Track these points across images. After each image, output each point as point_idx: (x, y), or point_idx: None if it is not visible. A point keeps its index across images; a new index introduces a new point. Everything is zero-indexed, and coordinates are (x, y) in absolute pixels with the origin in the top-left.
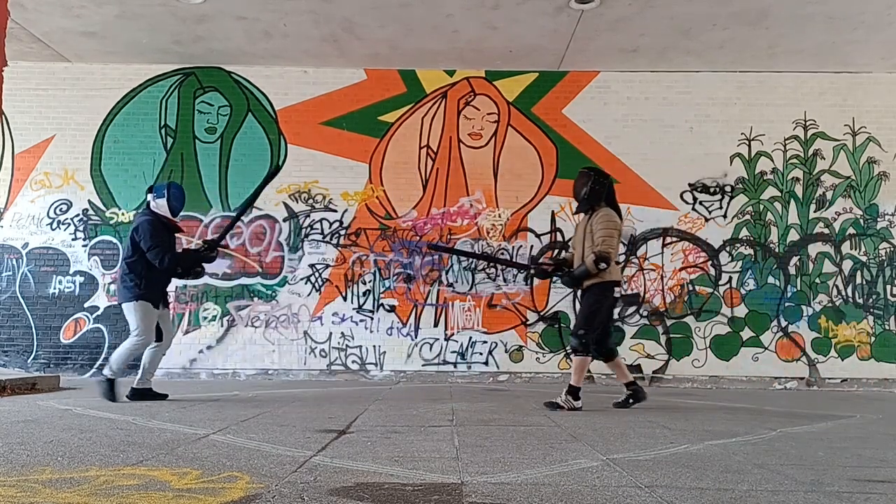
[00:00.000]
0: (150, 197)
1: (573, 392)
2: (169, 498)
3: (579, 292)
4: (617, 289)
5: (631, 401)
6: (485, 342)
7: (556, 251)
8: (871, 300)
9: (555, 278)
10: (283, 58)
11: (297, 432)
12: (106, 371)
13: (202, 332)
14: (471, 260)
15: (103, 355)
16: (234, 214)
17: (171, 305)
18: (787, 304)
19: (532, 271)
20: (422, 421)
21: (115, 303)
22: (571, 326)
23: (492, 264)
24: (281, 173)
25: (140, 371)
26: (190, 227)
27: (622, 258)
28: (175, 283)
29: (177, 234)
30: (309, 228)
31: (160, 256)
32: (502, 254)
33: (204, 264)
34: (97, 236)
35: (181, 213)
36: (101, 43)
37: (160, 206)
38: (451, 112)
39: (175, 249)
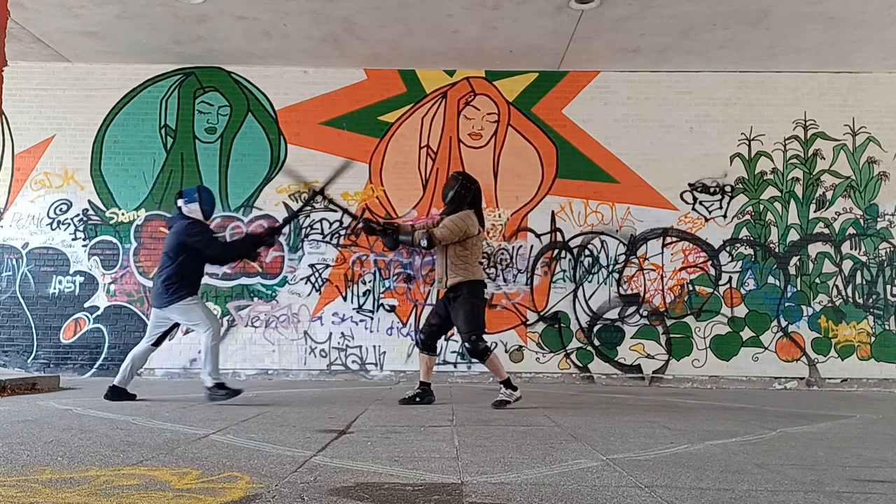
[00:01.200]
0: (181, 202)
1: (507, 384)
2: (169, 498)
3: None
4: (483, 289)
5: (418, 399)
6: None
7: (556, 251)
8: (871, 300)
9: (380, 236)
10: (283, 58)
11: (297, 432)
12: (205, 379)
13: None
14: None
15: (103, 355)
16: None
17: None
18: (787, 304)
19: (360, 224)
20: (422, 421)
21: (115, 303)
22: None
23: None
24: (281, 173)
25: (123, 369)
26: None
27: (622, 258)
28: None
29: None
30: (309, 228)
31: (221, 246)
32: (502, 254)
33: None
34: (97, 236)
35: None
36: (101, 43)
37: (192, 210)
38: (451, 112)
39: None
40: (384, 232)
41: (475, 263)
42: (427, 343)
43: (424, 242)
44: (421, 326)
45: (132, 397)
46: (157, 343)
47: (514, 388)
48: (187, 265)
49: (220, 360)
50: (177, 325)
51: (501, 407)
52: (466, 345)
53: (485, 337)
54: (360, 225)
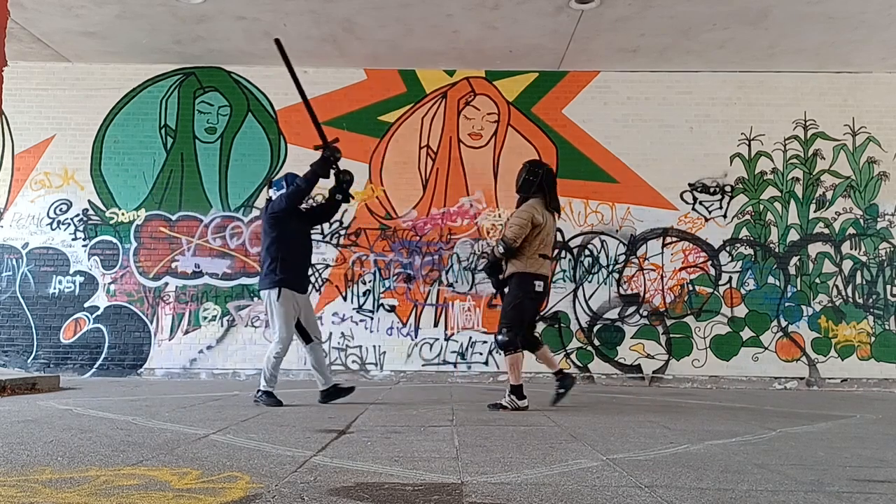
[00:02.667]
0: (271, 192)
1: (516, 392)
2: (169, 498)
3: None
4: (538, 282)
5: (562, 391)
6: (485, 342)
7: (556, 251)
8: (870, 300)
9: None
10: None
11: (297, 432)
12: (261, 385)
13: (202, 332)
14: (470, 255)
15: (103, 355)
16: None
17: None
18: (787, 304)
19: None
20: (422, 421)
21: (115, 303)
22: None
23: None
24: (281, 173)
25: (315, 374)
26: (190, 227)
27: (622, 258)
28: (174, 284)
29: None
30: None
31: (293, 188)
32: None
33: (342, 170)
34: (97, 236)
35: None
36: (102, 43)
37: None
38: (451, 112)
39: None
40: (499, 285)
41: (533, 255)
42: (524, 342)
43: (501, 249)
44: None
45: (348, 391)
46: (306, 339)
47: (522, 398)
48: (277, 249)
49: (220, 360)
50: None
51: (495, 409)
52: (497, 335)
53: (517, 334)
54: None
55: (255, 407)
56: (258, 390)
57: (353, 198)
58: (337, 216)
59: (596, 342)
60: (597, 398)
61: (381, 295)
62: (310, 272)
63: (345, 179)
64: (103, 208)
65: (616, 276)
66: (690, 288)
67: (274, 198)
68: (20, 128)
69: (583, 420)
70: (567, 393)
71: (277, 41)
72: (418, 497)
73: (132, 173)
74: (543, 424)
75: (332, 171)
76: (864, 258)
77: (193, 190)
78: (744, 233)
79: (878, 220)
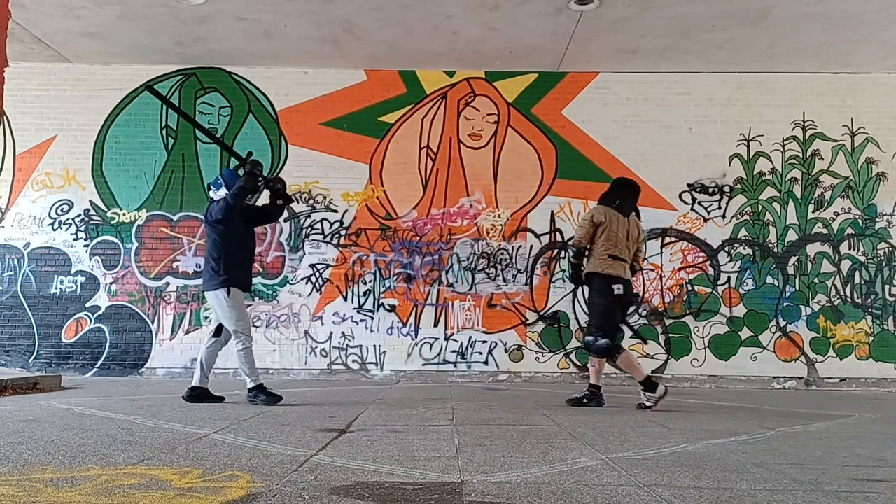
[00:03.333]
0: (211, 191)
1: (647, 385)
2: (170, 497)
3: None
4: (615, 286)
5: (585, 400)
6: (485, 342)
7: (556, 251)
8: (869, 300)
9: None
10: (284, 59)
11: (297, 431)
12: (247, 382)
13: (203, 331)
14: (470, 256)
15: (105, 355)
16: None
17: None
18: (785, 304)
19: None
20: (422, 420)
21: (116, 303)
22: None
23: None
24: (282, 173)
25: (198, 369)
26: (191, 227)
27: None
28: (175, 284)
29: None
30: (310, 229)
31: (233, 194)
32: (502, 254)
33: (269, 178)
34: (98, 236)
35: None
36: (103, 44)
37: (220, 195)
38: (451, 113)
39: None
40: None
41: (602, 255)
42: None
43: (572, 253)
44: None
45: (217, 399)
46: (217, 333)
47: (653, 388)
48: (223, 248)
49: (221, 360)
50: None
51: (643, 409)
52: (587, 336)
53: (605, 337)
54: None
55: (256, 406)
56: (249, 390)
57: (294, 199)
58: (288, 214)
59: None
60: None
61: (382, 295)
62: (252, 271)
63: (275, 188)
64: (104, 208)
65: None
66: (689, 288)
67: (215, 198)
68: (22, 128)
69: (582, 419)
70: (587, 405)
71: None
72: (418, 496)
73: (133, 174)
74: (543, 424)
75: (261, 182)
76: (862, 258)
77: (194, 190)
78: (742, 233)
79: (877, 220)
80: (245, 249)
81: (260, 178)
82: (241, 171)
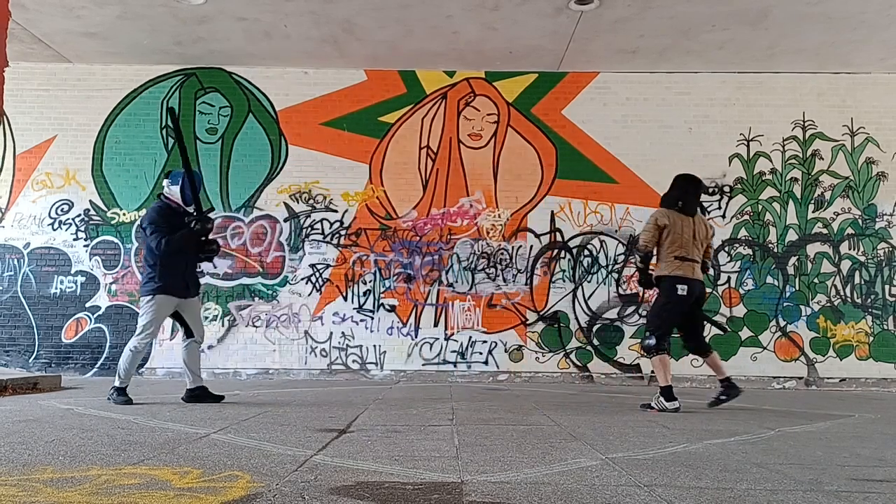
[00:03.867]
0: (165, 182)
1: (665, 393)
2: (170, 497)
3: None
4: (680, 287)
5: (724, 397)
6: (484, 342)
7: (556, 251)
8: (869, 300)
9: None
10: (284, 59)
11: (297, 431)
12: (115, 381)
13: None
14: (470, 255)
15: (105, 355)
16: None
17: (199, 297)
18: (785, 304)
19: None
20: (422, 420)
21: (116, 303)
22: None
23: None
24: (282, 174)
25: (186, 371)
26: None
27: (621, 258)
28: None
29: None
30: (310, 228)
31: (157, 240)
32: (502, 254)
33: (210, 240)
34: (98, 236)
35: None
36: (103, 44)
37: (173, 192)
38: (451, 113)
39: (186, 230)
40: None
41: (668, 258)
42: (690, 347)
43: (638, 257)
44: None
45: (216, 398)
46: (188, 334)
47: (671, 399)
48: (157, 256)
49: (221, 360)
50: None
51: (645, 410)
52: (643, 340)
53: (662, 337)
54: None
55: (256, 406)
56: (112, 387)
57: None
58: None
59: (595, 342)
60: (596, 398)
61: (382, 295)
62: (195, 274)
63: (209, 250)
64: (104, 208)
65: (615, 276)
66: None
67: (165, 192)
68: (22, 128)
69: (582, 419)
70: (727, 401)
71: (171, 110)
72: (418, 496)
73: (133, 174)
74: (543, 424)
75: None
76: (862, 258)
77: None
78: (742, 233)
79: (877, 220)
80: (182, 256)
81: (203, 238)
82: (195, 223)
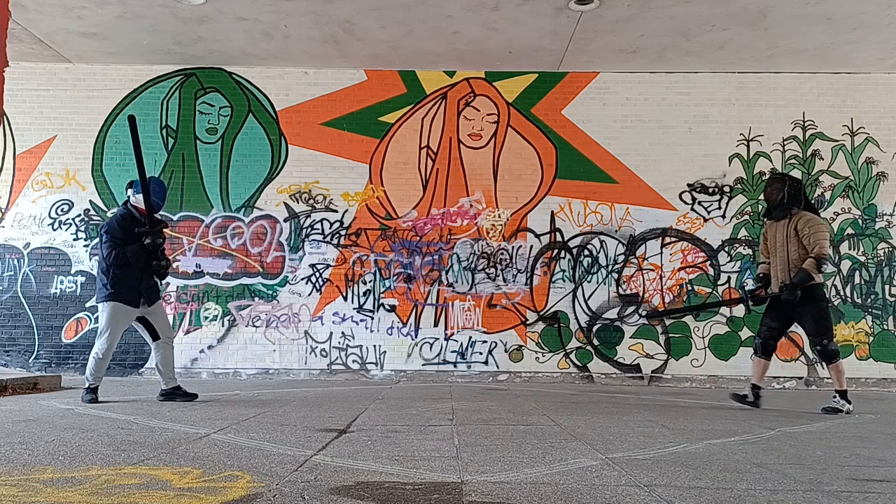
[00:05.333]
0: (129, 192)
1: (844, 395)
2: (170, 497)
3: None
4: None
5: (749, 399)
6: (485, 342)
7: (556, 251)
8: (869, 300)
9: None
10: (284, 59)
11: (297, 431)
12: (88, 382)
13: (203, 331)
14: (470, 256)
15: None
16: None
17: (161, 301)
18: None
19: (751, 303)
20: (422, 420)
21: None
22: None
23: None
24: (282, 174)
25: (158, 374)
26: (191, 227)
27: (621, 258)
28: (176, 284)
29: (164, 230)
30: (310, 229)
31: (108, 250)
32: (502, 254)
33: (160, 255)
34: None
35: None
36: (103, 44)
37: (139, 200)
38: (451, 113)
39: (137, 244)
40: (779, 291)
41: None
42: (765, 347)
43: (825, 268)
44: (759, 331)
45: (191, 396)
46: (153, 336)
47: (849, 402)
48: (104, 265)
49: (221, 360)
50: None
51: (832, 413)
52: (818, 348)
53: (834, 341)
54: (751, 304)
55: (256, 406)
56: (87, 388)
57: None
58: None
59: (595, 342)
60: (596, 398)
61: (382, 295)
62: (150, 283)
63: (159, 266)
64: (104, 208)
65: (615, 276)
66: (689, 288)
67: (132, 201)
68: (22, 128)
69: (582, 419)
70: (746, 404)
71: (131, 118)
72: (418, 496)
73: (133, 174)
74: (543, 424)
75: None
76: (862, 258)
77: (194, 190)
78: (742, 233)
79: (877, 220)
80: (131, 268)
81: (151, 252)
82: (146, 237)
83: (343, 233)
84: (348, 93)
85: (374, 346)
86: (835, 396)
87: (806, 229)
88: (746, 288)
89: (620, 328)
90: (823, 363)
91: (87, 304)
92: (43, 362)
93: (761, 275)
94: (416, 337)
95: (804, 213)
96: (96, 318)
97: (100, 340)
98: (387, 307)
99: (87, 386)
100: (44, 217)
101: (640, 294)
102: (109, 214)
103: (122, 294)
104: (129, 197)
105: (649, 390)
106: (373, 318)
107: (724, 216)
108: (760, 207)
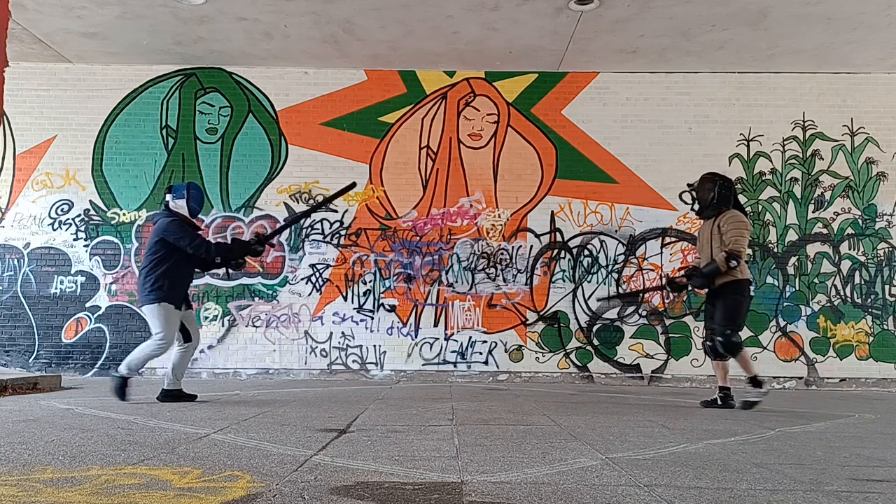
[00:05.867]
0: (169, 197)
1: (756, 382)
2: (170, 497)
3: (707, 291)
4: (751, 287)
5: (719, 402)
6: (484, 342)
7: (556, 251)
8: (869, 300)
9: (690, 286)
10: (284, 59)
11: (297, 431)
12: (121, 368)
13: (203, 331)
14: (470, 255)
15: (105, 355)
16: (293, 215)
17: (193, 305)
18: (785, 304)
19: (668, 289)
20: (422, 420)
21: (116, 302)
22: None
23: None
24: (282, 174)
25: (169, 372)
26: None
27: (621, 258)
28: None
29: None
30: (310, 229)
31: (204, 246)
32: (502, 254)
33: (247, 258)
34: (98, 236)
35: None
36: (103, 44)
37: (179, 206)
38: (451, 113)
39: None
40: (689, 278)
41: (744, 262)
42: (715, 349)
43: (734, 263)
44: (704, 335)
45: (191, 397)
46: (187, 338)
47: (761, 385)
48: (168, 265)
49: (221, 360)
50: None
51: (750, 408)
52: (719, 338)
53: (739, 334)
54: (668, 289)
55: (256, 406)
56: (118, 375)
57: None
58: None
59: (595, 342)
60: (596, 398)
61: (382, 295)
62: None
63: (238, 266)
64: (104, 208)
65: (615, 276)
66: (689, 288)
67: (171, 206)
68: (21, 128)
69: (582, 419)
70: (718, 407)
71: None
72: (418, 496)
73: (133, 174)
74: (543, 424)
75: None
76: (862, 258)
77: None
78: None
79: (877, 220)
80: (188, 272)
81: (240, 260)
82: (255, 243)
83: (343, 233)
84: (348, 93)
85: (374, 346)
86: (747, 388)
87: (725, 226)
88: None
89: (620, 328)
90: (726, 355)
91: (87, 304)
92: (43, 362)
93: (691, 268)
94: (416, 337)
95: (729, 212)
96: (97, 318)
97: (155, 340)
98: (387, 307)
99: (120, 374)
100: (44, 217)
101: (640, 294)
102: (157, 220)
103: (172, 296)
104: (168, 202)
105: (649, 390)
106: (373, 318)
107: None
108: (760, 207)
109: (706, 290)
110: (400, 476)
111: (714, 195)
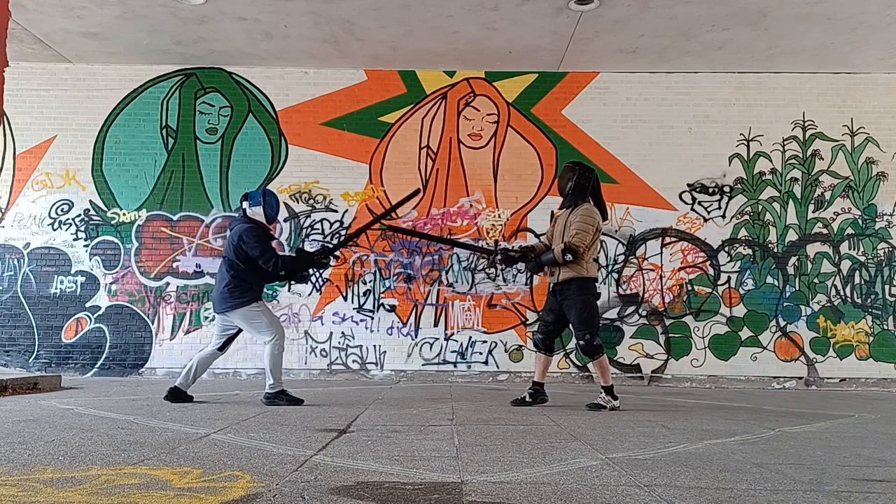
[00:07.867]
0: (245, 204)
1: (610, 391)
2: (170, 497)
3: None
4: (596, 285)
5: (529, 400)
6: (484, 342)
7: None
8: (869, 300)
9: (520, 264)
10: (284, 59)
11: (297, 431)
12: (269, 383)
13: (203, 331)
14: (470, 256)
15: (104, 355)
16: (359, 227)
17: None
18: (785, 304)
19: (498, 257)
20: (422, 420)
21: (116, 302)
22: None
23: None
24: (282, 174)
25: (191, 370)
26: (191, 227)
27: (621, 258)
28: (176, 284)
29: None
30: (310, 228)
31: (273, 260)
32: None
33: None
34: (98, 236)
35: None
36: (103, 44)
37: (256, 213)
38: (451, 113)
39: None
40: (525, 258)
41: (589, 260)
42: (545, 343)
43: (569, 257)
44: (537, 326)
45: (189, 399)
46: (223, 348)
47: (615, 398)
48: (249, 269)
49: (221, 360)
50: (240, 329)
51: (595, 409)
52: (580, 342)
53: (599, 335)
54: (499, 257)
55: (256, 406)
56: (269, 394)
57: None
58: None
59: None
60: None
61: (382, 295)
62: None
63: (302, 275)
64: (104, 208)
65: (615, 276)
66: (689, 288)
67: (249, 213)
68: (21, 128)
69: (582, 419)
70: (528, 405)
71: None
72: (418, 496)
73: (133, 174)
74: (543, 424)
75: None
76: (862, 258)
77: (194, 190)
78: (742, 233)
79: (877, 220)
80: (264, 276)
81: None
82: (321, 255)
83: (343, 233)
84: (348, 93)
85: (374, 346)
86: (601, 393)
87: (574, 219)
88: (502, 246)
89: (620, 328)
90: (586, 358)
91: (87, 304)
92: (43, 362)
93: (529, 246)
94: (416, 337)
95: (583, 205)
96: (97, 318)
97: (269, 344)
98: (387, 307)
99: (273, 391)
100: (44, 217)
101: (641, 294)
102: (234, 226)
103: (257, 294)
104: (245, 210)
105: (649, 390)
106: (373, 318)
107: (723, 216)
108: (760, 207)
109: (554, 282)
110: (400, 476)
111: (571, 186)
